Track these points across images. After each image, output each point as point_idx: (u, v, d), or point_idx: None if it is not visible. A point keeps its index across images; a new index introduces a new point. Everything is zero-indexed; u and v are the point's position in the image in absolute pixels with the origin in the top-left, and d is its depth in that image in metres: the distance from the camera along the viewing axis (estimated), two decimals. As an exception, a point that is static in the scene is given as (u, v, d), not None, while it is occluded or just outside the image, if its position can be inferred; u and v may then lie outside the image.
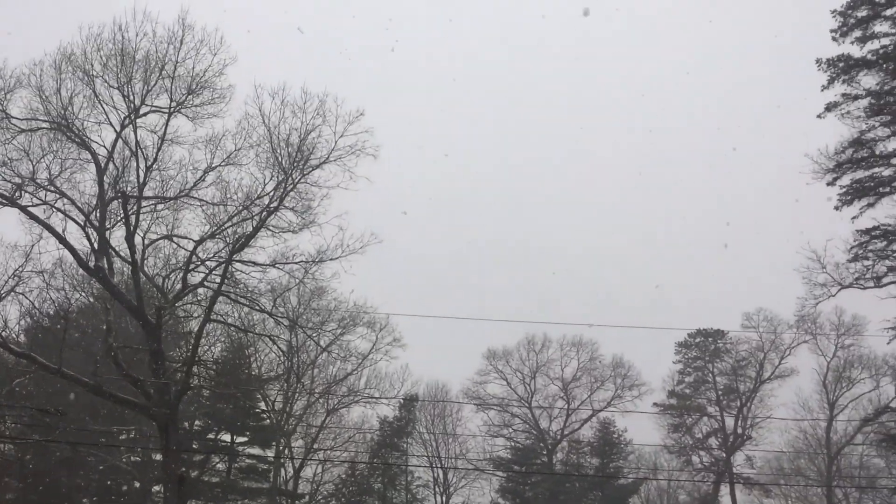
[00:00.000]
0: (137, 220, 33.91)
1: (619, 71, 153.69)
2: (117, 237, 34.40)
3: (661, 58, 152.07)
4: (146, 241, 35.41)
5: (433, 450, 74.27)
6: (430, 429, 74.75)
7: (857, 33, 39.78)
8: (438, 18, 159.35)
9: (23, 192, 32.63)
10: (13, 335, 37.91)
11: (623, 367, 76.64)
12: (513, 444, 77.22)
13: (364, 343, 61.90)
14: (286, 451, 64.14)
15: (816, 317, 64.49)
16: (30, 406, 38.72)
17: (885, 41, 39.36)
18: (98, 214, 33.11)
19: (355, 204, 35.23)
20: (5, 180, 32.31)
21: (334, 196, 34.25)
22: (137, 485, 52.61)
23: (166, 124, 33.55)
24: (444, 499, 74.03)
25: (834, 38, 40.20)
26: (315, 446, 65.76)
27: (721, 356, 76.62)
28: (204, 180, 34.57)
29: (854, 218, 41.57)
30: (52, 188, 32.98)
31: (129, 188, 33.79)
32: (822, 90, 40.66)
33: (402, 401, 70.90)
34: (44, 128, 32.91)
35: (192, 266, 34.99)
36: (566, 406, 77.37)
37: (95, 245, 33.03)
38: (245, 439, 61.06)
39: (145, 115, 33.46)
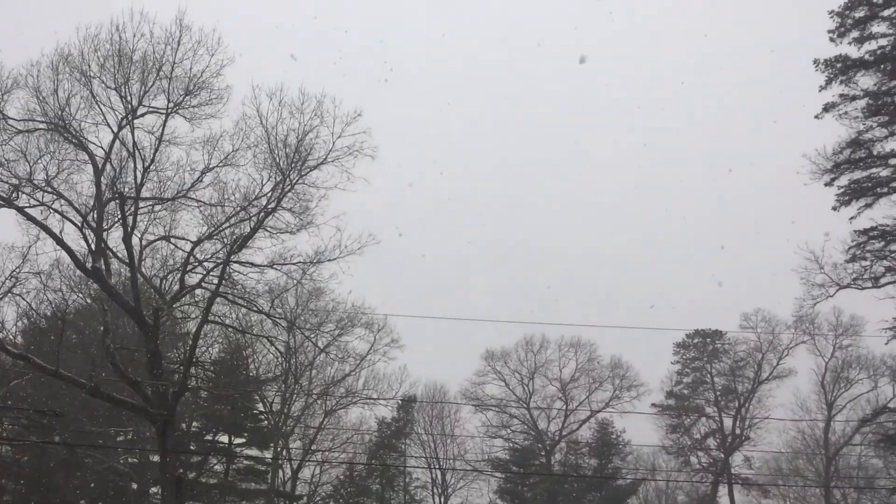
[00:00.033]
0: (135, 221, 33.86)
1: (619, 71, 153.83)
2: (115, 238, 34.43)
3: (661, 58, 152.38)
4: (143, 242, 35.39)
5: (431, 451, 74.33)
6: (429, 430, 74.76)
7: (855, 34, 39.69)
8: (439, 19, 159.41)
9: (20, 193, 32.65)
10: (10, 336, 37.95)
11: (621, 367, 76.88)
12: (511, 444, 77.18)
13: (362, 344, 61.76)
14: (284, 453, 64.12)
15: (814, 317, 64.61)
16: (27, 408, 38.64)
17: (883, 42, 39.26)
18: (95, 215, 33.08)
19: (353, 205, 35.34)
20: (2, 181, 32.34)
21: (332, 197, 34.36)
22: (135, 486, 52.47)
23: (164, 125, 33.56)
24: (442, 500, 74.00)
25: (832, 39, 40.10)
26: (313, 447, 65.80)
27: (719, 357, 76.65)
28: (201, 181, 34.63)
29: (852, 218, 41.43)
30: (50, 189, 32.95)
31: (126, 189, 33.73)
32: (820, 91, 40.54)
33: (400, 402, 70.93)
34: (41, 129, 32.85)
35: (189, 267, 35.02)
36: (564, 407, 77.45)
37: (93, 246, 32.99)
38: (243, 440, 60.93)
39: (143, 115, 33.43)
